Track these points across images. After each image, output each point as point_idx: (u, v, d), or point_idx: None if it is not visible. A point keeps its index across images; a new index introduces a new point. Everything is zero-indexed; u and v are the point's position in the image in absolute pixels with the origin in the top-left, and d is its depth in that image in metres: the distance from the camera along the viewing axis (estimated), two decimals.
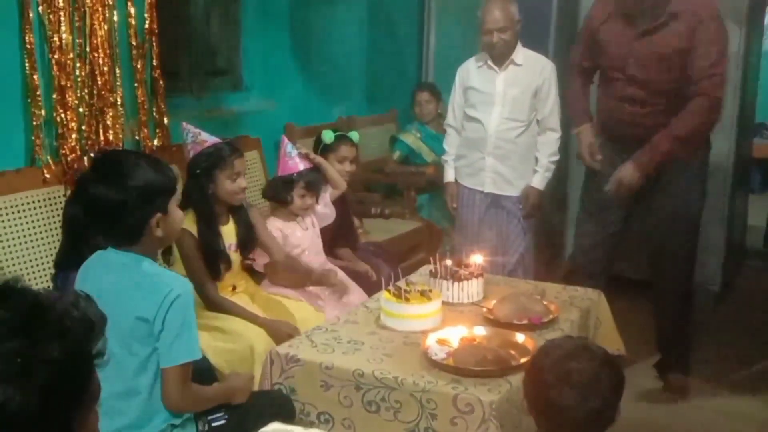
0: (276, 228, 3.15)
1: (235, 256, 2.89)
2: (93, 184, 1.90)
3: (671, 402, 3.28)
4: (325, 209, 3.30)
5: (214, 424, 2.02)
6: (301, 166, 3.17)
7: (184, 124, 2.92)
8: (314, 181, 3.18)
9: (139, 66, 3.23)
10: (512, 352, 2.23)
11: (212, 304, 2.75)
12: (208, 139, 2.84)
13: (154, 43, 3.28)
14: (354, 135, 3.46)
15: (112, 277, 1.91)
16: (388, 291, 2.50)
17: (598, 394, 1.53)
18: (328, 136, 3.36)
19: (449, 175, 3.83)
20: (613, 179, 3.10)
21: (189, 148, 2.84)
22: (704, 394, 3.37)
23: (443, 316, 2.50)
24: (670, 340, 3.36)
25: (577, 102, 3.40)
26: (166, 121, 3.34)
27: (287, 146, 3.21)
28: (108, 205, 1.87)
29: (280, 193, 3.17)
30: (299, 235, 3.20)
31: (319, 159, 3.32)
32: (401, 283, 2.60)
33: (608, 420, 1.56)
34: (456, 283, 2.67)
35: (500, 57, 3.50)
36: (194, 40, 3.81)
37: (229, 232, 2.87)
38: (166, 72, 3.39)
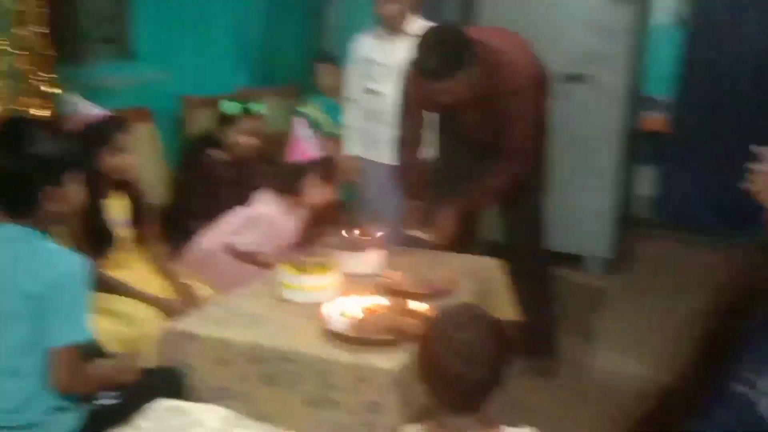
0: (265, 213, 2.85)
1: (128, 232, 2.79)
2: None
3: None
4: None
5: (103, 403, 1.95)
6: (316, 152, 2.87)
7: (65, 94, 2.78)
8: (330, 169, 2.90)
9: (23, 33, 3.05)
10: (412, 320, 2.24)
11: (97, 283, 2.64)
12: (90, 111, 2.71)
13: (40, 9, 3.10)
14: (260, 107, 3.34)
15: (2, 251, 1.82)
16: (286, 263, 2.47)
17: (486, 362, 1.55)
18: (231, 107, 3.22)
19: (349, 148, 3.83)
20: (434, 230, 2.92)
21: (70, 121, 2.70)
22: (601, 359, 3.52)
23: (343, 287, 2.49)
24: (532, 317, 3.12)
25: (411, 174, 3.11)
26: (52, 90, 3.17)
27: (301, 129, 2.91)
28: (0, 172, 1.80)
29: (288, 182, 2.86)
30: (289, 228, 2.92)
31: (331, 144, 3.13)
32: (300, 255, 2.57)
33: (496, 385, 1.59)
34: (356, 254, 2.67)
35: (394, 27, 3.50)
36: (81, 6, 3.62)
37: (121, 207, 2.76)
38: (53, 39, 3.21)
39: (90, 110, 2.71)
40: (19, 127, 1.90)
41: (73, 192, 1.94)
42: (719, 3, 5.07)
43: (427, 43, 2.69)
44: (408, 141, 3.12)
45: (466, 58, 2.69)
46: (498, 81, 2.80)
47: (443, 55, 2.65)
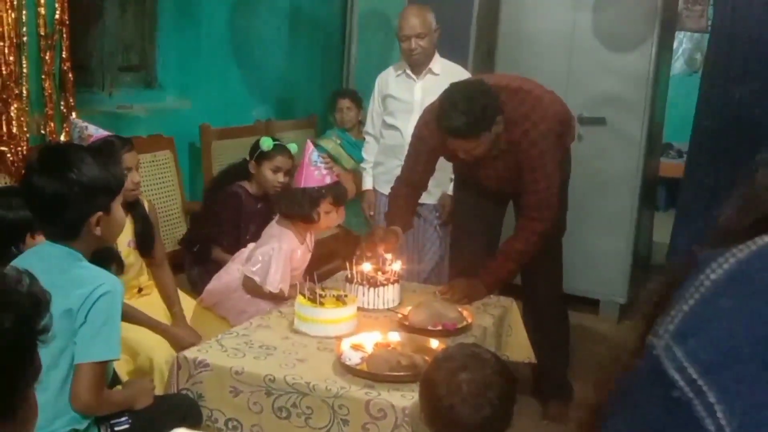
0: (281, 248, 2.79)
1: (133, 254, 2.78)
2: (36, 175, 1.86)
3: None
4: None
5: (116, 429, 1.94)
6: (328, 178, 2.80)
7: (73, 118, 2.79)
8: (342, 194, 2.86)
9: (47, 58, 3.09)
10: (426, 358, 2.21)
11: None
12: (95, 133, 2.67)
13: (65, 35, 3.14)
14: (293, 147, 3.39)
15: (43, 268, 1.82)
16: (303, 295, 2.46)
17: (489, 403, 1.52)
18: (266, 143, 3.28)
19: (367, 183, 3.84)
20: (463, 296, 2.82)
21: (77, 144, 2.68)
22: None
23: (358, 321, 2.47)
24: (547, 360, 3.10)
25: (398, 208, 3.05)
26: (74, 115, 3.20)
27: (312, 154, 2.83)
28: (48, 198, 1.84)
29: (304, 208, 2.78)
30: (300, 257, 2.90)
31: (339, 169, 3.12)
32: (316, 288, 2.55)
33: (502, 427, 1.56)
34: (372, 289, 2.65)
35: (418, 65, 3.53)
36: (107, 34, 3.68)
37: (125, 229, 2.75)
38: (76, 65, 3.25)
39: (91, 132, 2.66)
40: (67, 152, 1.94)
41: (120, 217, 1.97)
42: (733, 51, 5.07)
43: (454, 101, 2.63)
44: (409, 181, 3.05)
45: (492, 119, 2.67)
46: (518, 134, 2.78)
47: (470, 116, 2.60)
